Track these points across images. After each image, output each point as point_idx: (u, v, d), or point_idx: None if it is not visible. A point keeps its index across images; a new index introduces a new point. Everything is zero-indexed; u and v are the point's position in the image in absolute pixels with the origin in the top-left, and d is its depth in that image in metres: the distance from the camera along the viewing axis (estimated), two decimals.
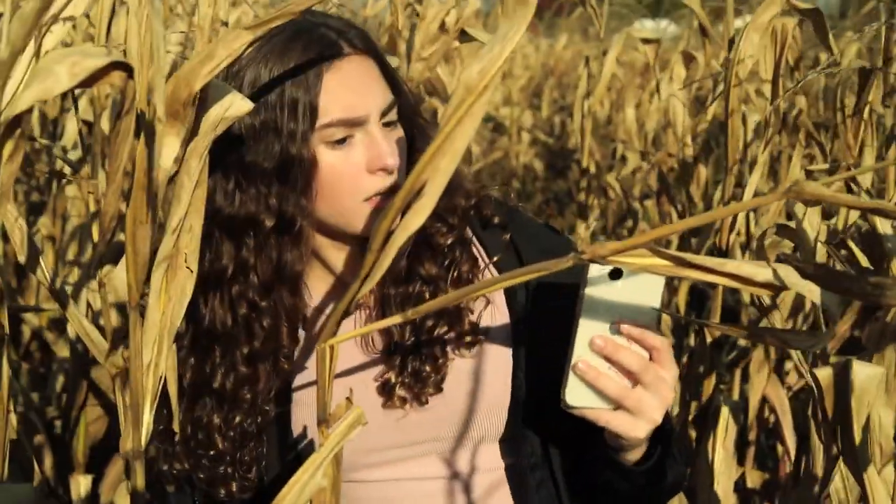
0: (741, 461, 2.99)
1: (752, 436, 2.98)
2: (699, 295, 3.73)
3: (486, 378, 1.58)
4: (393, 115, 1.54)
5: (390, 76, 1.57)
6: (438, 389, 1.58)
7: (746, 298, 3.17)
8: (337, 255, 1.63)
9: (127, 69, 1.33)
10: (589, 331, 1.39)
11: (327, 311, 1.64)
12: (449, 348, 1.58)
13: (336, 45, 1.51)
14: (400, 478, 1.63)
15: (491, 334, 1.59)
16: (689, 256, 1.07)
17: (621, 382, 1.39)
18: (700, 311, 3.75)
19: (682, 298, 3.47)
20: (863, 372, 1.66)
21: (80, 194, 3.30)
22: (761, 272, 1.08)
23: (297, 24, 1.51)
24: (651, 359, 1.40)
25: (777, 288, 1.08)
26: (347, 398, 1.35)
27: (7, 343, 1.79)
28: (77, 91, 2.48)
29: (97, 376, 2.81)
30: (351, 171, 1.51)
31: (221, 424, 1.59)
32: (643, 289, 1.37)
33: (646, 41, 3.50)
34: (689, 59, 3.84)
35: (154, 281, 1.47)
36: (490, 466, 1.61)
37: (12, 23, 1.25)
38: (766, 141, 2.38)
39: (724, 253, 2.33)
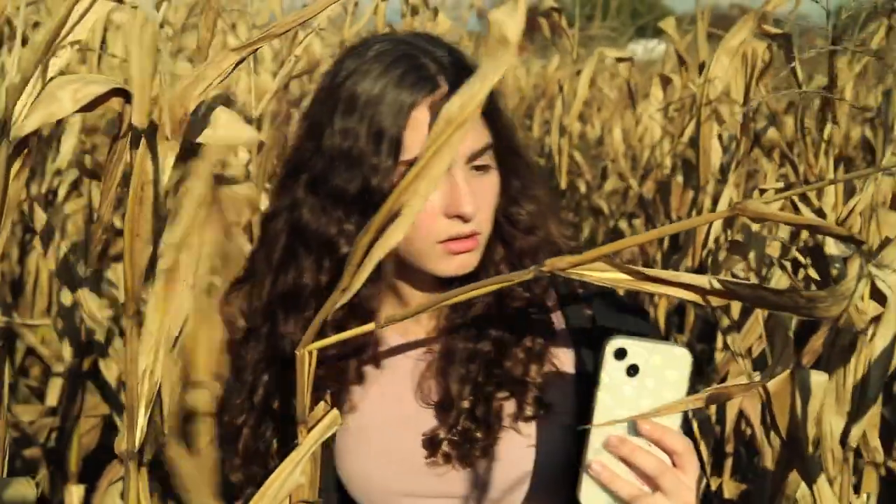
0: (719, 472, 3.07)
1: (729, 447, 3.06)
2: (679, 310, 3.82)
3: (540, 451, 1.51)
4: (486, 160, 1.49)
5: (491, 119, 1.49)
6: (486, 455, 1.51)
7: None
8: (412, 293, 1.59)
9: (125, 95, 1.42)
10: (605, 428, 1.31)
11: (398, 350, 1.60)
12: (506, 418, 1.52)
13: (433, 80, 1.45)
14: None
15: (555, 407, 1.51)
16: (645, 270, 1.13)
17: (637, 487, 1.30)
18: (681, 325, 3.84)
19: (661, 312, 3.56)
20: (811, 379, 1.72)
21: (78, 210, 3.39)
22: (705, 285, 1.13)
23: (404, 49, 1.48)
24: (672, 462, 1.30)
25: (724, 299, 1.14)
26: (324, 400, 1.41)
27: (3, 358, 1.87)
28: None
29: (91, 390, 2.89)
30: (427, 212, 1.45)
31: (279, 447, 1.58)
32: (664, 383, 1.30)
33: (619, 59, 3.61)
34: (666, 82, 3.95)
35: (152, 293, 1.56)
36: None
37: (24, 51, 1.34)
38: (738, 160, 2.49)
39: (700, 268, 2.43)
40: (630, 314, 1.59)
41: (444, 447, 1.52)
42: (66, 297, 2.67)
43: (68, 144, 3.51)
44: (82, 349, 2.79)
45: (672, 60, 5.03)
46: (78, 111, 1.38)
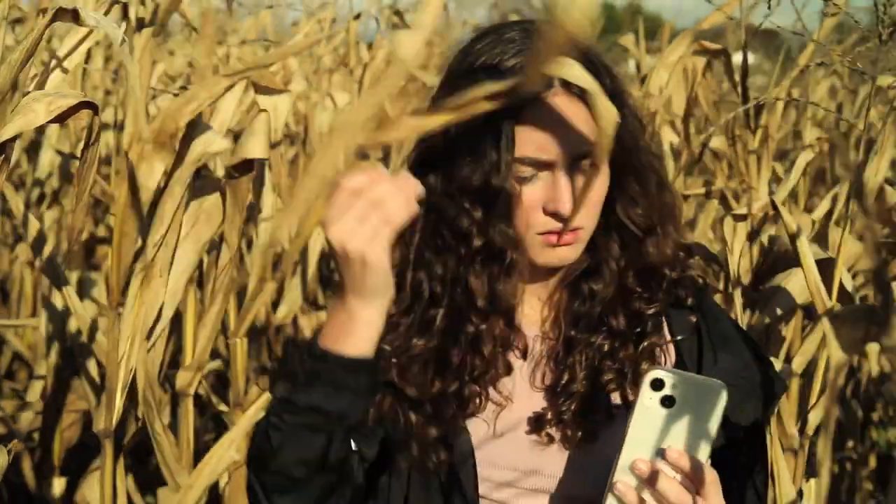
0: None
1: None
2: None
3: None
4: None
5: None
6: (588, 439, 1.52)
7: None
8: (540, 288, 1.61)
9: (93, 107, 1.56)
10: (634, 451, 1.33)
11: (537, 343, 1.60)
12: (615, 410, 1.52)
13: (545, 79, 1.43)
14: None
15: None
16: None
17: None
18: None
19: None
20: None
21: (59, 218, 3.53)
22: None
23: (522, 38, 1.49)
24: (697, 492, 1.32)
25: None
26: (257, 383, 1.49)
27: None
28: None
29: (74, 386, 3.03)
30: (529, 205, 1.48)
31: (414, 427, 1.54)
32: (697, 415, 1.31)
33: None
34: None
35: (132, 287, 1.71)
36: None
37: (1, 69, 1.48)
38: (680, 168, 2.67)
39: None
40: (726, 322, 1.63)
41: (549, 428, 1.52)
42: (55, 299, 2.81)
43: (46, 156, 3.68)
44: (65, 349, 2.92)
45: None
46: (51, 122, 1.53)
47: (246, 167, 1.90)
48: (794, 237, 1.90)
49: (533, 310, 1.61)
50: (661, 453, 1.31)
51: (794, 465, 2.02)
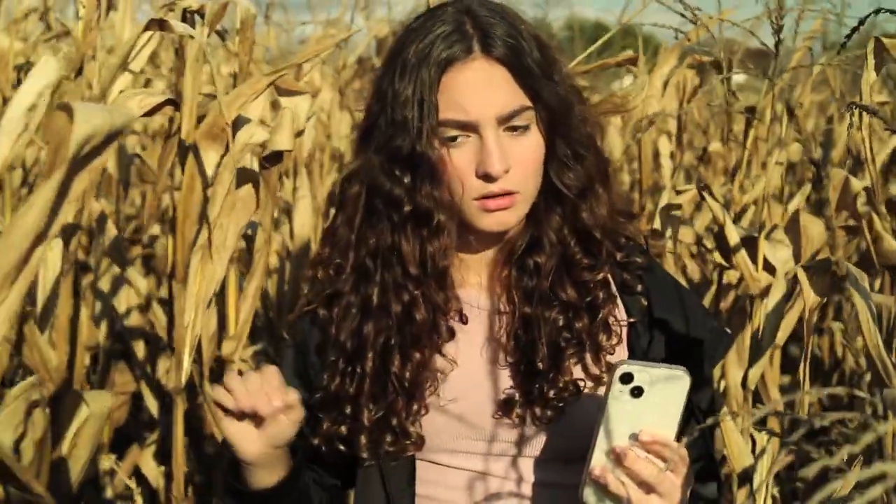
0: None
1: None
2: None
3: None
4: (523, 121, 1.53)
5: (529, 83, 1.54)
6: (558, 412, 1.56)
7: None
8: (475, 256, 1.65)
9: (175, 104, 1.82)
10: (608, 438, 1.40)
11: (474, 309, 1.63)
12: (581, 386, 1.56)
13: (461, 47, 1.52)
14: (483, 472, 1.61)
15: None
16: None
17: (635, 491, 1.39)
18: None
19: None
20: None
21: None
22: None
23: (443, 16, 1.55)
24: (668, 469, 1.39)
25: None
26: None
27: None
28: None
29: (120, 370, 3.28)
30: (460, 170, 1.52)
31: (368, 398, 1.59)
32: (664, 399, 1.38)
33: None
34: None
35: (193, 262, 1.96)
36: (572, 483, 1.50)
37: (102, 72, 1.76)
38: (674, 167, 2.93)
39: None
40: (675, 291, 1.67)
41: (518, 409, 1.56)
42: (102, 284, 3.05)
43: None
44: (114, 333, 3.17)
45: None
46: (142, 116, 1.79)
47: (275, 158, 2.15)
48: (718, 219, 2.17)
49: (486, 289, 1.65)
50: (633, 437, 1.38)
51: (743, 417, 2.24)
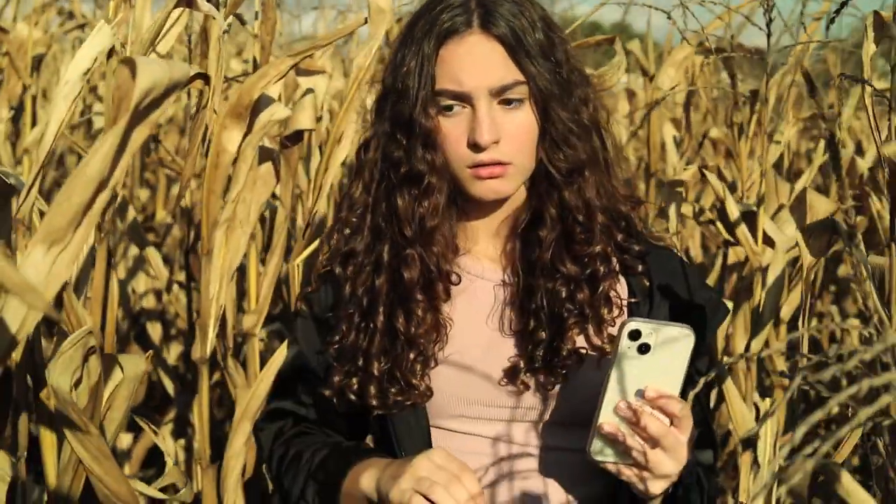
0: None
1: None
2: None
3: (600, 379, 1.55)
4: (516, 95, 1.58)
5: (524, 61, 1.59)
6: (563, 380, 1.61)
7: None
8: (475, 224, 1.73)
9: (206, 78, 1.88)
10: (616, 394, 1.44)
11: (477, 277, 1.71)
12: (584, 354, 1.62)
13: (461, 21, 1.59)
14: (492, 437, 1.66)
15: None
16: None
17: (641, 445, 1.43)
18: None
19: None
20: None
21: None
22: None
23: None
24: (671, 423, 1.43)
25: None
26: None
27: None
28: None
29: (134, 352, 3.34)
30: (453, 138, 1.60)
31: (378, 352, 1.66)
32: (670, 357, 1.42)
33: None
34: (631, 95, 4.43)
35: (217, 237, 2.02)
36: (578, 447, 1.55)
37: (133, 46, 1.81)
38: (682, 152, 3.00)
39: None
40: (683, 271, 1.73)
41: (524, 376, 1.62)
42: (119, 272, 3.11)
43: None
44: (131, 316, 3.24)
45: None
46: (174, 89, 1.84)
47: (296, 137, 2.21)
48: (720, 195, 2.23)
49: (493, 259, 1.72)
50: (639, 394, 1.43)
51: (746, 385, 2.33)
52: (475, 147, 1.58)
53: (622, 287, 1.69)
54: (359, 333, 1.67)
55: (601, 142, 1.70)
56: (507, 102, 1.59)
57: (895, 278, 1.63)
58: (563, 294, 1.62)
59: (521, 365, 1.62)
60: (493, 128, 1.57)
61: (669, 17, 2.38)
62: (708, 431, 1.71)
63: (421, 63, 1.60)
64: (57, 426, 1.28)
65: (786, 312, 2.35)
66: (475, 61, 1.58)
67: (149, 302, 3.30)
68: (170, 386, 3.07)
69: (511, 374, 1.63)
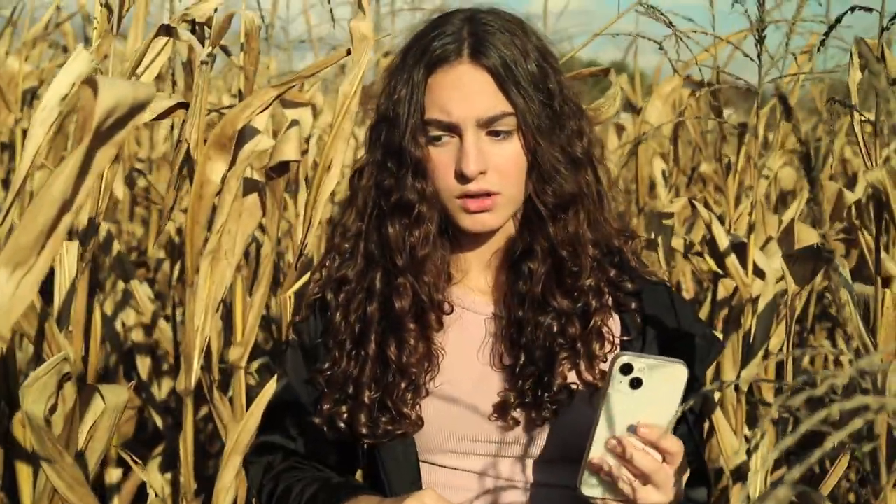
0: None
1: None
2: None
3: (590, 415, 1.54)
4: (503, 126, 1.58)
5: (513, 94, 1.58)
6: (553, 416, 1.60)
7: None
8: (466, 256, 1.73)
9: (186, 107, 1.88)
10: (607, 429, 1.43)
11: (468, 310, 1.70)
12: (574, 389, 1.61)
13: (451, 50, 1.59)
14: (481, 472, 1.65)
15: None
16: None
17: (632, 481, 1.43)
18: None
19: None
20: None
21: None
22: None
23: (444, 19, 1.64)
24: (664, 459, 1.42)
25: None
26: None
27: None
28: None
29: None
30: (441, 167, 1.60)
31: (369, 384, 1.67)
32: (662, 392, 1.41)
33: None
34: (620, 130, 4.44)
35: (202, 267, 2.01)
36: (568, 484, 1.55)
37: (114, 76, 1.80)
38: (670, 185, 3.00)
39: None
40: (676, 307, 1.71)
41: (514, 412, 1.61)
42: (107, 306, 3.10)
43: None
44: (120, 349, 3.22)
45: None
46: (154, 119, 1.84)
47: (282, 169, 2.21)
48: (709, 226, 2.23)
49: (484, 292, 1.71)
50: (631, 429, 1.42)
51: (736, 416, 2.31)
52: (462, 177, 1.58)
53: (615, 323, 1.68)
54: (350, 361, 1.67)
55: (594, 175, 1.69)
56: (496, 133, 1.59)
57: (880, 307, 1.62)
58: (555, 328, 1.61)
59: (512, 400, 1.61)
60: (479, 158, 1.57)
61: (661, 48, 2.38)
62: (701, 466, 1.70)
63: (411, 91, 1.60)
64: (31, 454, 1.27)
65: (774, 344, 2.35)
66: (463, 91, 1.58)
67: (137, 336, 3.29)
68: (159, 420, 3.05)
69: (501, 409, 1.62)
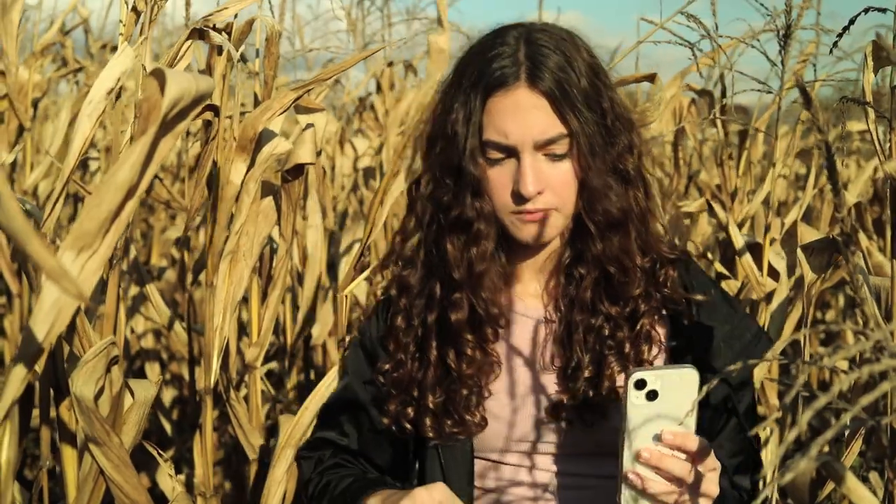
0: None
1: None
2: None
3: None
4: (559, 149, 1.61)
5: (569, 115, 1.60)
6: (603, 416, 1.65)
7: None
8: (521, 267, 1.77)
9: (215, 109, 1.92)
10: (635, 443, 1.46)
11: (521, 316, 1.74)
12: (618, 387, 1.63)
13: (509, 74, 1.61)
14: (534, 468, 1.70)
15: None
16: None
17: (669, 487, 1.45)
18: None
19: None
20: None
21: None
22: None
23: (502, 40, 1.65)
24: (693, 461, 1.45)
25: None
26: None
27: None
28: None
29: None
30: (499, 186, 1.64)
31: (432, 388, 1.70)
32: (679, 398, 1.44)
33: None
34: None
35: (222, 267, 2.05)
36: (609, 473, 1.57)
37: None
38: (669, 192, 3.05)
39: None
40: (728, 316, 1.73)
41: (566, 413, 1.65)
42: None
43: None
44: (129, 356, 3.25)
45: None
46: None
47: (297, 171, 2.25)
48: (726, 227, 2.27)
49: (536, 295, 1.76)
50: (657, 438, 1.45)
51: None
52: (519, 197, 1.62)
53: (664, 327, 1.71)
54: (414, 363, 1.72)
55: (645, 191, 1.73)
56: (552, 154, 1.62)
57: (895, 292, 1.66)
58: (606, 332, 1.66)
59: (565, 401, 1.66)
60: (536, 180, 1.60)
61: (694, 52, 2.38)
62: (750, 457, 1.74)
63: (469, 112, 1.63)
64: (76, 437, 1.31)
65: (777, 345, 2.39)
66: (521, 115, 1.60)
67: (147, 343, 3.32)
68: (168, 425, 3.08)
69: (554, 410, 1.67)
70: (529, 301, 1.76)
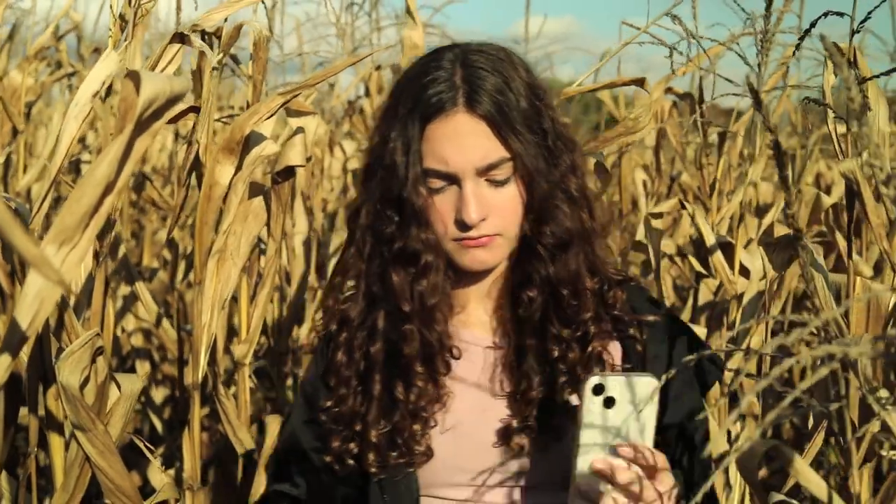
0: None
1: None
2: None
3: None
4: (502, 174, 1.58)
5: (509, 138, 1.57)
6: (557, 440, 1.60)
7: None
8: (464, 292, 1.73)
9: (197, 111, 1.97)
10: (589, 452, 1.42)
11: (470, 343, 1.70)
12: (571, 410, 1.59)
13: (446, 99, 1.57)
14: (485, 502, 1.65)
15: None
16: None
17: (621, 499, 1.41)
18: None
19: None
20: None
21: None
22: None
23: (437, 64, 1.61)
24: (649, 476, 1.41)
25: None
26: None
27: None
28: None
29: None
30: (442, 215, 1.60)
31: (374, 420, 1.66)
32: (636, 407, 1.40)
33: None
34: None
35: (209, 266, 2.10)
36: None
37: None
38: (652, 193, 3.11)
39: None
40: (678, 336, 1.72)
41: (517, 437, 1.61)
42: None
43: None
44: (119, 354, 3.30)
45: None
46: (168, 122, 1.93)
47: (287, 173, 2.29)
48: (697, 225, 2.33)
49: (482, 322, 1.72)
50: (612, 449, 1.41)
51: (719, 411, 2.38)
52: (462, 224, 1.59)
53: (616, 349, 1.69)
54: (356, 397, 1.68)
55: (589, 211, 1.69)
56: (493, 179, 1.59)
57: (852, 292, 1.71)
58: (555, 354, 1.62)
59: (514, 425, 1.62)
60: (479, 206, 1.57)
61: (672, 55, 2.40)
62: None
63: (408, 140, 1.60)
64: (63, 426, 1.36)
65: (756, 342, 2.44)
66: (460, 141, 1.57)
67: (136, 341, 3.36)
68: (158, 423, 3.13)
69: (504, 436, 1.63)
70: (476, 329, 1.72)
